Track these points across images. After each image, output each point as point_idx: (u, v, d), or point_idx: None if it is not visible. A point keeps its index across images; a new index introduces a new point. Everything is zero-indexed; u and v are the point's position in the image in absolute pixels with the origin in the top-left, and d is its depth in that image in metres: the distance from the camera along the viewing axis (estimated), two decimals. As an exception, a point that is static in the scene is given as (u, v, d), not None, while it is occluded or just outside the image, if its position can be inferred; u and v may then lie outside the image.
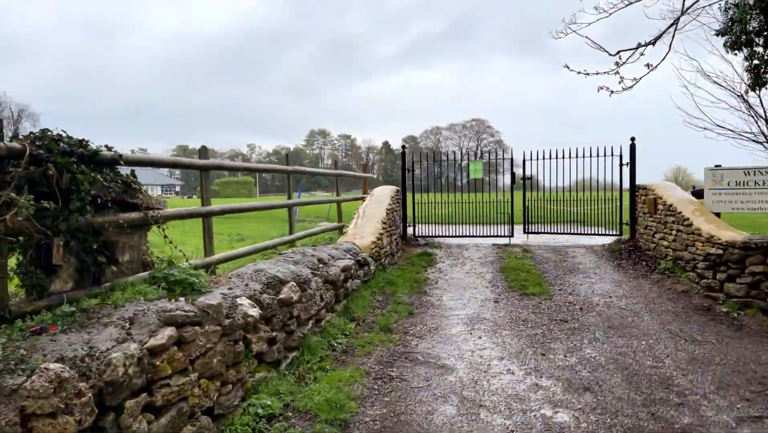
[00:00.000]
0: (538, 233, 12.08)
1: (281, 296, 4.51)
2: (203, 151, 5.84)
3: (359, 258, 7.41)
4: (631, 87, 7.88)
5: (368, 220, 8.92)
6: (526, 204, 12.07)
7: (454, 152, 11.69)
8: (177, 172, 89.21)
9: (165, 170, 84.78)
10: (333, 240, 8.80)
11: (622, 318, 6.44)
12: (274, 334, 4.27)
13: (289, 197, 8.44)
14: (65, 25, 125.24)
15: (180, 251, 4.44)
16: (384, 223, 9.01)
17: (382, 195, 10.06)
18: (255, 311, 3.93)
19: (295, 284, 4.81)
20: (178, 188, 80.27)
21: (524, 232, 12.17)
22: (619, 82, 7.88)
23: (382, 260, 8.60)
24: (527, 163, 11.98)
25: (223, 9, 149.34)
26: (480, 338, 5.74)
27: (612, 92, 7.87)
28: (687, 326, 6.15)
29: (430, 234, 12.10)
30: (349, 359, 5.01)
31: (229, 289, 4.04)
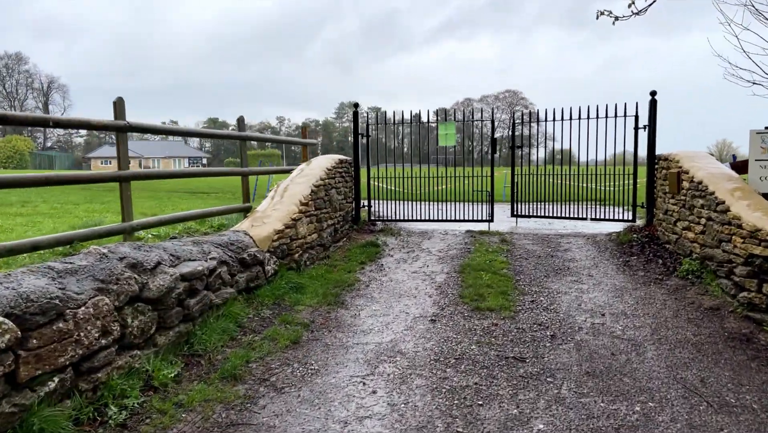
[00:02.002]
0: (528, 216, 9.99)
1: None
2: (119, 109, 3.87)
3: (244, 255, 5.47)
4: (645, 10, 5.95)
5: (284, 200, 6.95)
6: (515, 180, 9.97)
7: (419, 112, 9.55)
8: (207, 145, 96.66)
9: (195, 143, 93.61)
10: (223, 227, 6.87)
11: (613, 355, 4.42)
12: None
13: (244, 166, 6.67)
14: (115, 2, 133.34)
15: None
16: (305, 204, 7.03)
17: (315, 167, 8.05)
18: None
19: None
20: (204, 161, 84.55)
21: (512, 215, 10.10)
22: (629, 5, 6.10)
23: (297, 255, 6.64)
24: (517, 127, 9.83)
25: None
26: (375, 392, 3.79)
27: (617, 18, 6.07)
28: (713, 373, 4.12)
29: (393, 217, 10.10)
30: (119, 444, 3.11)
31: None
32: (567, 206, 9.70)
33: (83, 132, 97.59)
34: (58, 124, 5.05)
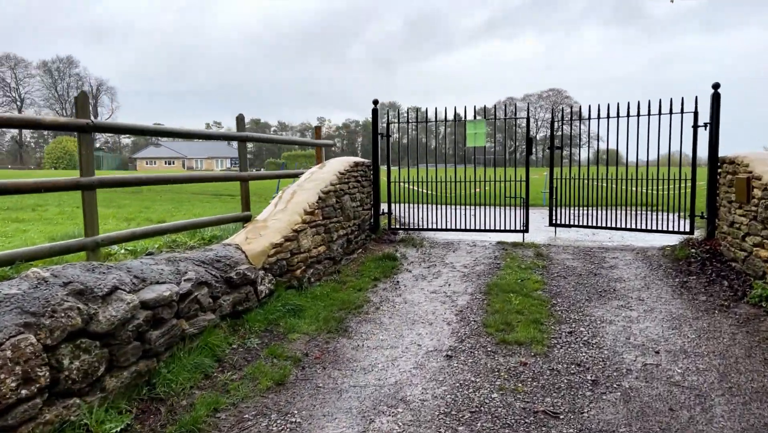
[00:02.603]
0: (569, 225, 9.06)
1: None
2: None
3: (231, 274, 4.83)
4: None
5: (288, 208, 6.29)
6: (554, 184, 9.05)
7: (446, 109, 8.75)
8: (250, 145, 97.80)
9: (235, 144, 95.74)
10: (215, 239, 6.25)
11: (672, 412, 3.56)
12: None
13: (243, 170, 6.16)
14: (162, 3, 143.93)
15: None
16: (310, 213, 6.36)
17: (327, 171, 7.37)
18: None
19: None
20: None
21: (550, 224, 9.18)
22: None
23: (299, 271, 5.97)
24: (557, 125, 8.93)
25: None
26: (363, 460, 3.04)
27: (675, -6, 4.98)
28: (807, 444, 3.21)
29: (416, 225, 9.34)
30: None
31: None
32: (613, 214, 8.73)
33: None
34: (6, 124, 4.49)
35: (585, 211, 8.96)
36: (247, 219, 6.68)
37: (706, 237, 7.53)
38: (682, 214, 8.40)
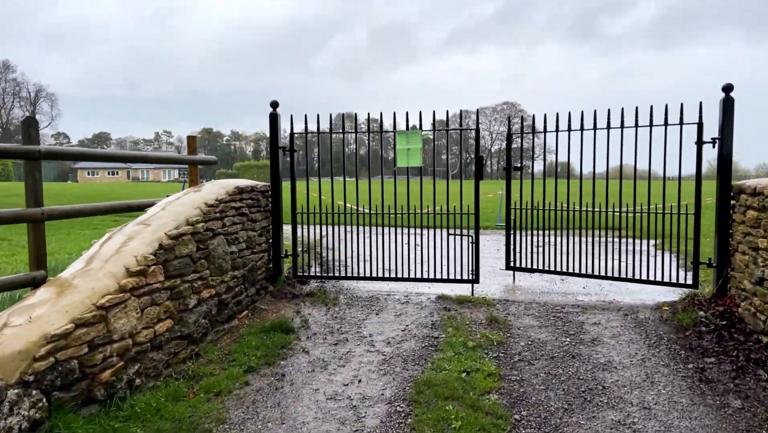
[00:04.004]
0: (531, 269, 7.17)
1: None
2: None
3: None
4: None
5: (105, 267, 4.09)
6: (512, 217, 7.18)
7: (368, 115, 6.71)
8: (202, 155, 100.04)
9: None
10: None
11: None
12: None
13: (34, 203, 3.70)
14: (126, 11, 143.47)
15: None
16: (137, 274, 4.21)
17: (185, 203, 5.20)
18: None
19: None
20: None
21: (507, 267, 7.29)
22: None
23: (109, 372, 3.79)
24: (513, 140, 7.07)
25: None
26: None
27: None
28: None
29: (336, 268, 7.26)
30: None
31: None
32: (587, 246, 6.90)
33: (74, 141, 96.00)
34: None
35: (550, 239, 7.07)
36: (40, 282, 4.42)
37: (715, 293, 5.77)
38: (678, 255, 6.66)
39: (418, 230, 7.25)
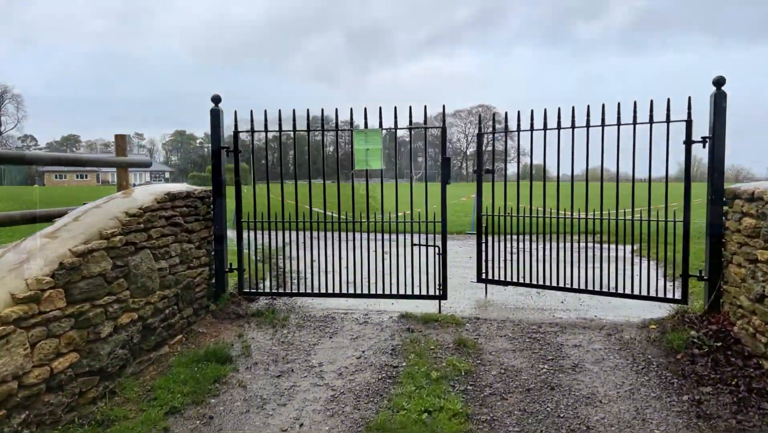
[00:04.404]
0: (504, 282, 6.60)
1: None
2: None
3: None
4: None
5: (-15, 291, 3.34)
6: (484, 223, 6.59)
7: (322, 111, 6.06)
8: (174, 159, 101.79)
9: (161, 157, 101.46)
10: None
11: None
12: None
13: None
14: (98, 10, 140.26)
15: None
16: (27, 300, 3.47)
17: (103, 211, 4.46)
18: None
19: None
20: (167, 174, 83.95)
21: (479, 280, 6.70)
22: None
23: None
24: (485, 140, 6.50)
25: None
26: None
27: None
28: None
29: (286, 284, 6.57)
30: None
31: None
32: (564, 253, 6.34)
33: (42, 143, 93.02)
34: None
35: (525, 248, 6.49)
36: None
37: (707, 310, 5.26)
38: (666, 263, 6.17)
39: (384, 237, 6.63)
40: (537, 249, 6.47)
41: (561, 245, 6.29)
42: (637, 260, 6.82)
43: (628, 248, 6.02)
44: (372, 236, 6.28)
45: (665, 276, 5.82)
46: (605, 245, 6.34)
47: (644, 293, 5.77)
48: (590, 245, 6.16)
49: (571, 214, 6.23)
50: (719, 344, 4.70)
